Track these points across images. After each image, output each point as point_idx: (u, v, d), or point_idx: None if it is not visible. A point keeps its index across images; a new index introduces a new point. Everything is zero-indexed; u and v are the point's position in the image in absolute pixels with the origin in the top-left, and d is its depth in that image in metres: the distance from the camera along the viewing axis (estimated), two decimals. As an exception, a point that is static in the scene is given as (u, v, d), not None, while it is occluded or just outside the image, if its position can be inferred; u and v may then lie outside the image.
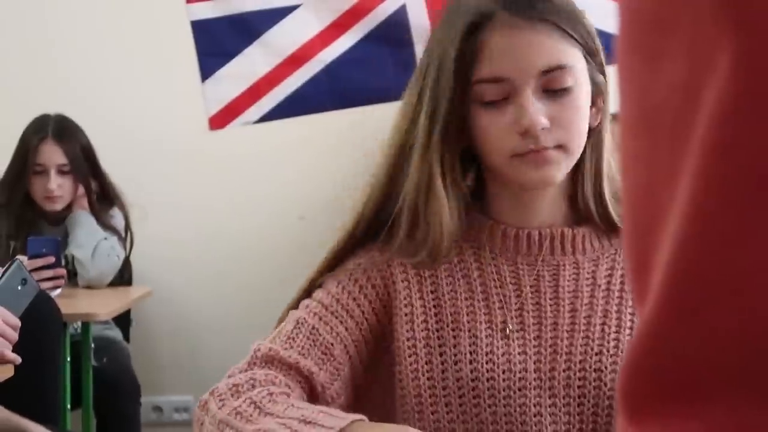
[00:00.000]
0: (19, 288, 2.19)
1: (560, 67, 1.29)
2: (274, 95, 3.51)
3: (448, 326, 1.35)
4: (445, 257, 1.35)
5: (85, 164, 3.49)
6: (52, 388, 2.68)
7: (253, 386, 1.25)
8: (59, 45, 4.04)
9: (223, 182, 4.08)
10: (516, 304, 1.34)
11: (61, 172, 3.47)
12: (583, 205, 1.37)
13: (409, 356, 1.34)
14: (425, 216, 1.32)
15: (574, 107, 1.30)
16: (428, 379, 1.33)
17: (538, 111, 1.28)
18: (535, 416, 1.31)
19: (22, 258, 3.14)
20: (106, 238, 3.48)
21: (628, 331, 1.33)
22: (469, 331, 1.34)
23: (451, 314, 1.35)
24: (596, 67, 1.34)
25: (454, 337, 1.34)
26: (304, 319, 1.35)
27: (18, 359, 2.12)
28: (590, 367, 1.31)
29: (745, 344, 0.42)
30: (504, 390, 1.31)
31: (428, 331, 1.34)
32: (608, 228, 1.37)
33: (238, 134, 3.71)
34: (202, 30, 3.49)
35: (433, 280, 1.36)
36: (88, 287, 3.47)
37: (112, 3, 4.07)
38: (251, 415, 1.20)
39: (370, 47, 3.51)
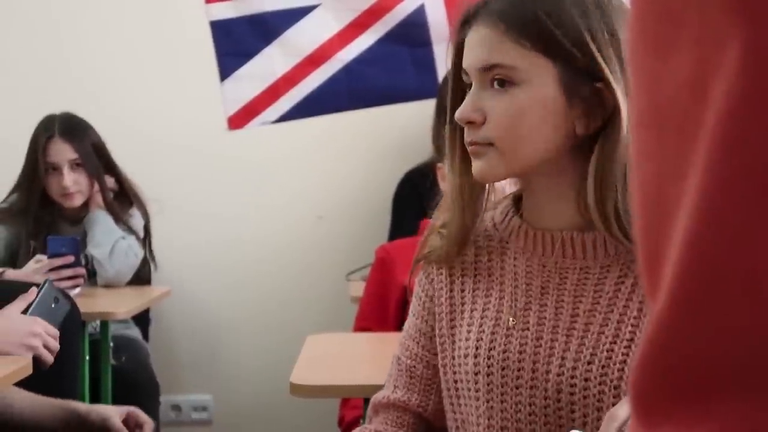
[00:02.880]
0: (53, 306, 2.37)
1: (495, 66, 1.29)
2: (292, 95, 3.51)
3: (464, 321, 1.39)
4: (459, 254, 1.40)
5: (96, 160, 3.49)
6: (72, 386, 2.69)
7: None
8: (74, 45, 4.05)
9: (242, 182, 4.09)
10: (524, 302, 1.36)
11: (74, 166, 3.47)
12: (587, 214, 1.32)
13: (441, 351, 1.41)
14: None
15: (511, 107, 1.29)
16: (454, 373, 1.39)
17: (469, 105, 1.30)
18: (529, 415, 1.32)
19: (45, 260, 3.16)
20: (123, 238, 3.48)
21: (625, 343, 1.29)
22: (480, 326, 1.37)
23: (469, 310, 1.39)
24: (581, 73, 1.28)
25: (467, 332, 1.38)
26: (396, 353, 1.47)
27: (51, 359, 2.22)
28: (580, 375, 1.30)
29: (758, 341, 0.41)
30: (500, 386, 1.34)
31: (453, 327, 1.40)
32: (622, 237, 1.30)
33: (256, 134, 3.71)
34: (221, 30, 3.49)
35: (461, 277, 1.41)
36: (107, 286, 3.48)
37: (132, 2, 4.07)
38: None
39: (388, 47, 3.50)
